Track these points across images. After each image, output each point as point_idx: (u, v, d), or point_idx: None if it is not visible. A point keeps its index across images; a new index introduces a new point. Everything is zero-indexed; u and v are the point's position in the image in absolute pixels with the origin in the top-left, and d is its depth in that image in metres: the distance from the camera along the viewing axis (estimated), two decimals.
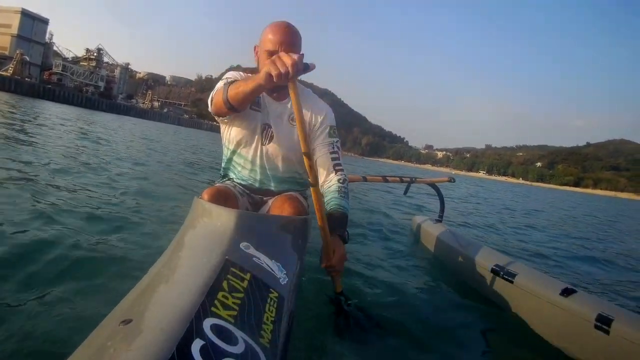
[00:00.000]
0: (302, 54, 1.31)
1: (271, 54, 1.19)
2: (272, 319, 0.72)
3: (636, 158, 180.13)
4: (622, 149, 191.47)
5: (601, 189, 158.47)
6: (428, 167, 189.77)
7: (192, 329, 0.56)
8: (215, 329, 0.59)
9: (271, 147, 1.34)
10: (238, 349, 0.58)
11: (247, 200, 1.38)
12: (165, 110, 77.35)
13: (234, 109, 1.18)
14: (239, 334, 0.61)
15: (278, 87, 1.30)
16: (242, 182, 1.40)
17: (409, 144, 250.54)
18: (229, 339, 0.59)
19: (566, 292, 1.45)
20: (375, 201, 5.24)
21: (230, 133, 1.37)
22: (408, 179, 2.50)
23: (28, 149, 4.18)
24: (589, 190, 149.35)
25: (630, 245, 5.44)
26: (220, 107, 1.19)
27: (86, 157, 4.57)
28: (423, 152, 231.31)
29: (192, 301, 0.63)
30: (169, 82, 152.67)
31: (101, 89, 56.21)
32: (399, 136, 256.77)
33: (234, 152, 1.39)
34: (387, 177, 2.45)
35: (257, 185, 1.39)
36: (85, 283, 1.33)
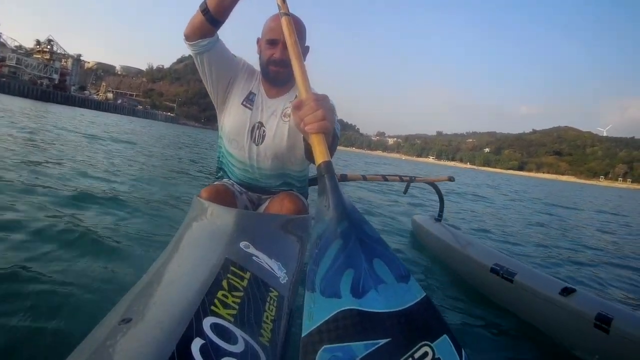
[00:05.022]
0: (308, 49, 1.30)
1: (272, 42, 1.20)
2: (272, 318, 0.72)
3: (577, 144, 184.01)
4: (565, 136, 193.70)
5: (543, 172, 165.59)
6: (379, 153, 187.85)
7: (192, 328, 0.56)
8: (215, 328, 0.59)
9: (263, 147, 1.30)
10: (238, 348, 0.58)
11: (246, 199, 1.36)
12: (119, 101, 75.60)
13: (214, 19, 1.11)
14: (238, 333, 0.61)
15: (277, 83, 1.30)
16: (237, 181, 1.38)
17: (360, 132, 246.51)
18: (229, 338, 0.59)
19: (566, 292, 1.46)
20: (374, 200, 5.24)
21: (224, 124, 1.34)
22: (407, 178, 2.49)
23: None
24: (532, 174, 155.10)
25: None
26: (198, 22, 1.11)
27: (90, 158, 4.57)
28: (375, 139, 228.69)
29: (191, 300, 0.63)
30: (119, 72, 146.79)
31: (55, 81, 54.55)
32: (350, 124, 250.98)
33: (227, 149, 1.37)
34: (387, 176, 2.44)
35: (252, 183, 1.37)
36: (85, 282, 1.33)
